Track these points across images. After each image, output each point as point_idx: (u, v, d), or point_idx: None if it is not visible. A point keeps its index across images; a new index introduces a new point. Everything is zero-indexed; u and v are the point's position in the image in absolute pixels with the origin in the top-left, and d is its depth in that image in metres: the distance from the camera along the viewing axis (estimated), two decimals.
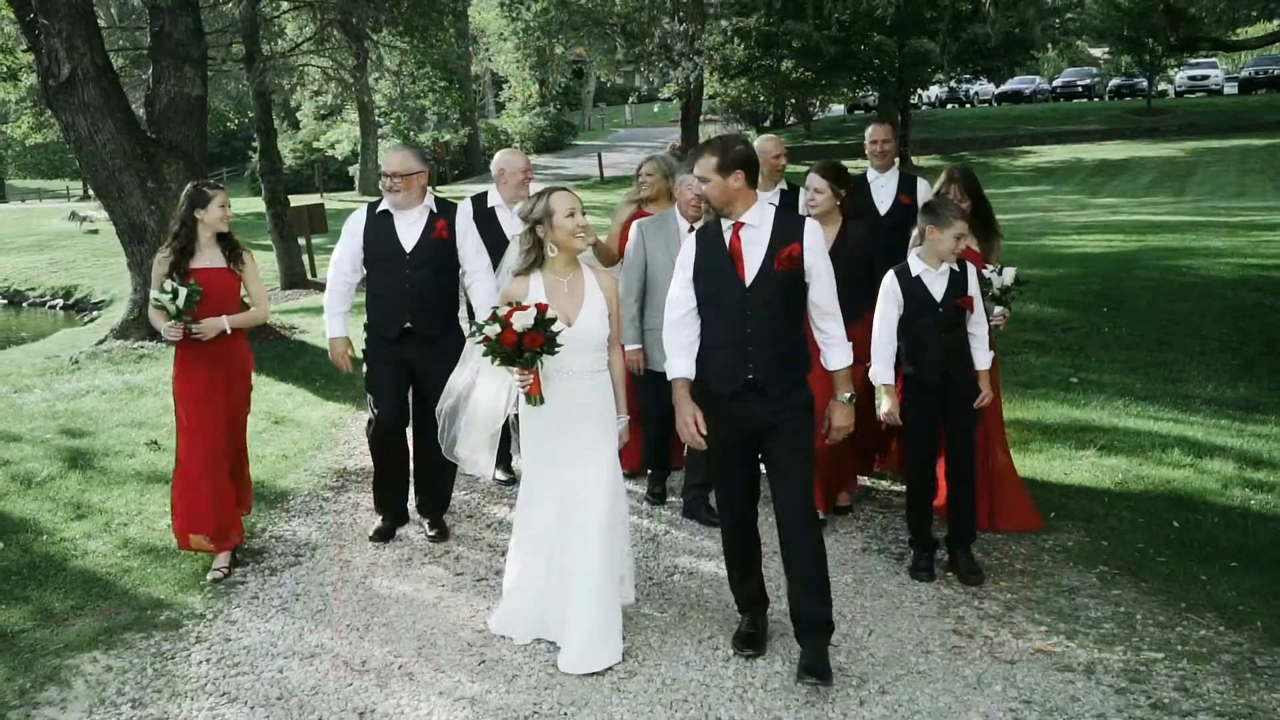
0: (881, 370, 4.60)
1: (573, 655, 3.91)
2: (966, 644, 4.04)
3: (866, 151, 5.99)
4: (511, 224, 5.44)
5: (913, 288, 4.53)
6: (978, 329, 4.65)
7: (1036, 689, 3.70)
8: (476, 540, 5.22)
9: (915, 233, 4.82)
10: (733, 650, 4.01)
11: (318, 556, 5.07)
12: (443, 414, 4.35)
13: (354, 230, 5.02)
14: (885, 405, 4.64)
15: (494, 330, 3.80)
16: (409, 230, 4.93)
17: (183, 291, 4.68)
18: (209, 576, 4.76)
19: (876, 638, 4.11)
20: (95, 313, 17.99)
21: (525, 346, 3.77)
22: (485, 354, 3.89)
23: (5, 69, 11.92)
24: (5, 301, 20.72)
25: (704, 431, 3.83)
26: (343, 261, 5.06)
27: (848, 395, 3.97)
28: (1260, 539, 4.90)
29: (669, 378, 3.91)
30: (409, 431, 5.23)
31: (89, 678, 3.93)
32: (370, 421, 5.16)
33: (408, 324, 4.92)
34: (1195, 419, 6.83)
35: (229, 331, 4.82)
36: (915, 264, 4.56)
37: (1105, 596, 4.42)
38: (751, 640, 4.02)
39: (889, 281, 4.57)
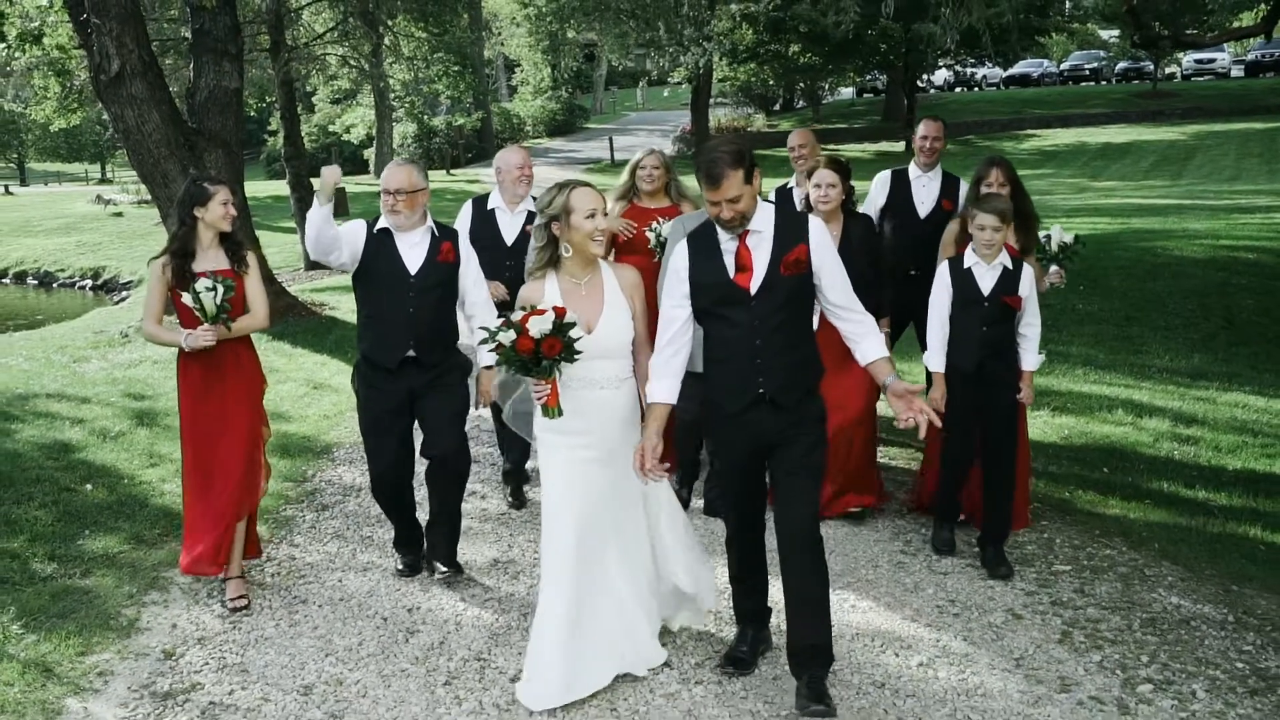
0: (934, 358, 4.69)
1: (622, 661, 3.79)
2: (910, 561, 4.84)
3: (915, 147, 5.80)
4: (510, 226, 5.52)
5: (961, 279, 4.61)
6: (1029, 330, 4.65)
7: (961, 592, 4.50)
8: (500, 484, 6.01)
9: (953, 226, 5.03)
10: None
11: (363, 496, 5.87)
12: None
13: (356, 236, 4.52)
14: (934, 391, 4.68)
15: (508, 337, 3.52)
16: (412, 251, 4.49)
17: (221, 288, 4.22)
18: (228, 606, 4.48)
19: (835, 556, 4.88)
20: (124, 293, 18.78)
21: (543, 354, 3.49)
22: (499, 362, 3.65)
23: (58, 65, 12.76)
24: (36, 282, 21.52)
25: (652, 469, 3.49)
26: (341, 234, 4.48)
27: (894, 377, 3.53)
28: (1176, 482, 5.68)
29: (647, 401, 3.64)
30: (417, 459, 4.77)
31: (182, 585, 4.76)
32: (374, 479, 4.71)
33: (411, 352, 4.48)
34: (1145, 385, 7.57)
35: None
36: (969, 256, 4.61)
37: (1033, 527, 5.20)
38: (738, 662, 3.84)
39: (942, 270, 4.69)
